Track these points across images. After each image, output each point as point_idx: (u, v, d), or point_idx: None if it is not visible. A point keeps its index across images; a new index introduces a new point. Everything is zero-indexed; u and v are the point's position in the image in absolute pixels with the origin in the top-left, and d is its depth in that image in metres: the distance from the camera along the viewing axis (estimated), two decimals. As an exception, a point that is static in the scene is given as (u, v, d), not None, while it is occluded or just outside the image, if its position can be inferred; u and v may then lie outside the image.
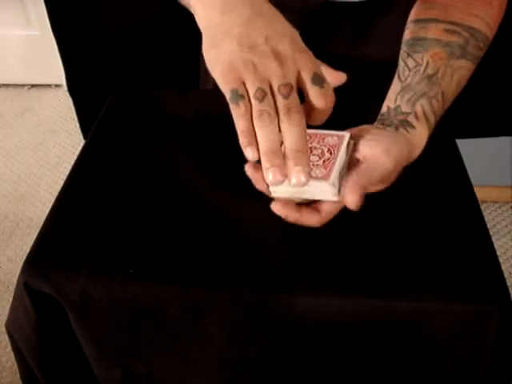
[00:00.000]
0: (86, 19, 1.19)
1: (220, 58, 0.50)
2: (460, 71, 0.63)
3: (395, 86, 0.64)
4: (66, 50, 1.23)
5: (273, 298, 0.64)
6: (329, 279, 0.64)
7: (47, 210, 0.73)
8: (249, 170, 0.53)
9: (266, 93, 0.48)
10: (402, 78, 0.64)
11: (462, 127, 1.22)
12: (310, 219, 0.55)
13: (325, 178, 0.53)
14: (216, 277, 0.64)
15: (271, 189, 0.53)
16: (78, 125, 1.36)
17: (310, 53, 0.51)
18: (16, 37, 2.10)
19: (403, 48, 0.67)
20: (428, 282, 0.63)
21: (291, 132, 0.48)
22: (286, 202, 0.54)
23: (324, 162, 0.55)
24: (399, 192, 0.73)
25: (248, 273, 0.64)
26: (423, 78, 0.62)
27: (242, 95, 0.48)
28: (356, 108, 0.72)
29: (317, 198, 0.54)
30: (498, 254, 0.67)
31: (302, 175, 0.48)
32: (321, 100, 0.49)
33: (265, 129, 0.47)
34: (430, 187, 0.75)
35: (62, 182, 0.77)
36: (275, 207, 0.54)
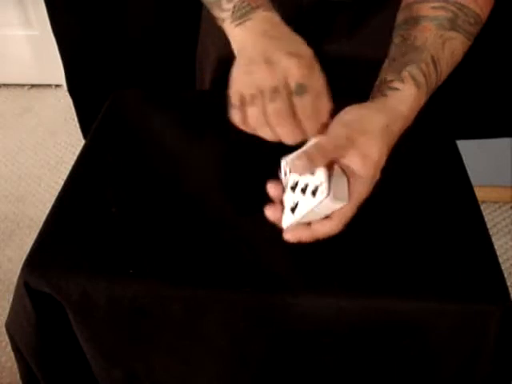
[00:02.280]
0: (86, 19, 1.19)
1: (231, 77, 0.57)
2: (452, 42, 0.62)
3: (384, 64, 0.64)
4: (66, 49, 1.23)
5: (273, 298, 0.64)
6: (329, 279, 0.64)
7: (47, 210, 0.73)
8: (268, 212, 0.58)
9: (256, 97, 0.53)
10: (390, 55, 0.64)
11: (462, 128, 1.22)
12: (324, 228, 0.55)
13: (325, 194, 0.53)
14: (216, 277, 0.64)
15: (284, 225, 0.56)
16: (78, 125, 1.36)
17: (303, 61, 0.54)
18: (16, 37, 2.10)
19: (393, 33, 0.67)
20: (428, 282, 0.63)
21: (282, 134, 0.54)
22: (293, 227, 0.56)
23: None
24: (399, 192, 0.73)
25: (248, 273, 0.64)
26: (410, 49, 0.62)
27: (237, 105, 0.55)
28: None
29: (328, 213, 0.55)
30: (498, 254, 0.67)
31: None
32: (300, 110, 0.54)
33: (259, 132, 0.55)
34: (430, 187, 0.75)
35: (62, 182, 0.77)
36: (287, 237, 0.56)
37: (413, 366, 0.69)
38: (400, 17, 0.68)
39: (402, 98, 0.58)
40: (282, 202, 0.58)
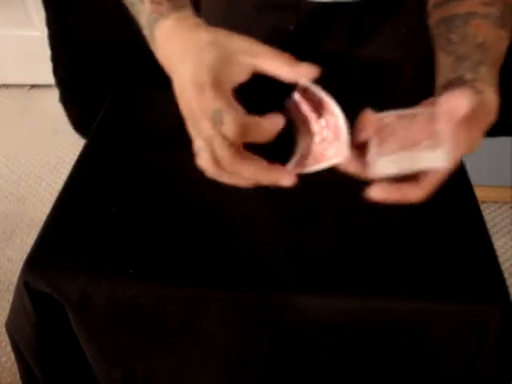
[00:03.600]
0: (86, 19, 1.19)
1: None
2: (503, 41, 0.61)
3: (444, 60, 0.60)
4: (66, 50, 1.23)
5: (273, 298, 0.64)
6: (329, 279, 0.64)
7: (47, 210, 0.73)
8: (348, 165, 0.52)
9: (203, 151, 0.51)
10: (450, 52, 0.61)
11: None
12: (413, 194, 0.52)
13: (434, 145, 0.49)
14: (216, 277, 0.64)
15: (372, 167, 0.51)
16: (77, 125, 1.36)
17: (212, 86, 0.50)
18: (16, 37, 2.10)
19: (437, 30, 0.65)
20: (428, 281, 0.63)
21: (243, 175, 0.50)
22: (382, 183, 0.51)
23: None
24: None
25: (248, 273, 0.64)
26: (475, 46, 0.59)
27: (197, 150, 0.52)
28: (350, 108, 0.72)
29: (425, 167, 0.51)
30: (498, 254, 0.67)
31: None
32: (230, 134, 0.49)
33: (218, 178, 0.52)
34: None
35: (62, 182, 0.77)
36: (374, 192, 0.51)
37: (413, 366, 0.69)
38: (439, 12, 0.66)
39: (490, 102, 0.55)
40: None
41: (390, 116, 0.53)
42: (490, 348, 0.64)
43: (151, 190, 0.75)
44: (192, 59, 0.51)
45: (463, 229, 0.69)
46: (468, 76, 0.57)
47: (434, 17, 0.67)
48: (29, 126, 2.04)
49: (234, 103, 0.49)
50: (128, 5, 0.62)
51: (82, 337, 0.70)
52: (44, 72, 2.16)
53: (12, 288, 0.65)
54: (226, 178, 0.51)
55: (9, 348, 0.93)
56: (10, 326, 0.72)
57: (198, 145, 0.51)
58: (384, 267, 0.65)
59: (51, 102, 2.15)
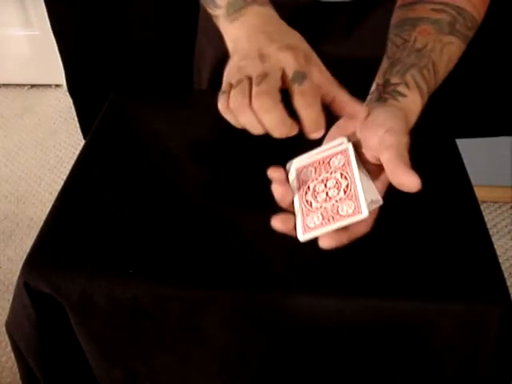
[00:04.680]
0: (86, 19, 1.19)
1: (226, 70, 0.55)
2: (450, 47, 0.62)
3: (383, 64, 0.63)
4: (66, 49, 1.23)
5: (273, 298, 0.64)
6: (329, 279, 0.64)
7: (47, 210, 0.73)
8: (277, 223, 0.53)
9: (242, 80, 0.51)
10: (390, 55, 0.63)
11: (461, 127, 1.22)
12: (362, 228, 0.53)
13: (357, 211, 0.50)
14: (216, 277, 0.64)
15: (302, 238, 0.52)
16: (78, 125, 1.36)
17: (300, 53, 0.52)
18: (16, 37, 2.10)
19: (391, 32, 0.66)
20: (428, 282, 0.63)
21: (261, 113, 0.49)
22: (330, 233, 0.52)
23: (345, 192, 0.51)
24: (399, 192, 0.73)
25: (248, 273, 0.64)
26: (412, 51, 0.61)
27: (223, 91, 0.52)
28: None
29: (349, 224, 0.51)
30: (498, 254, 0.67)
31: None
32: (299, 98, 0.50)
33: (235, 110, 0.50)
34: (430, 187, 0.75)
35: (61, 182, 0.77)
36: (324, 244, 0.52)
37: (413, 366, 0.69)
38: (397, 15, 0.67)
39: (410, 107, 0.57)
40: (285, 199, 0.54)
41: (305, 166, 0.55)
42: (490, 348, 0.64)
43: (151, 189, 0.75)
44: (295, 34, 0.55)
45: (463, 229, 0.69)
46: (394, 80, 0.59)
47: (393, 19, 0.68)
48: (29, 126, 2.04)
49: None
50: None
51: (81, 337, 0.70)
52: (44, 72, 2.17)
53: (12, 288, 0.65)
54: (244, 117, 0.50)
55: (9, 348, 0.93)
56: (10, 326, 0.72)
57: (224, 88, 0.52)
58: (384, 267, 0.65)
59: (51, 102, 2.16)
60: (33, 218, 1.66)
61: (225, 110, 0.52)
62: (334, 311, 0.63)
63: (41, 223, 0.71)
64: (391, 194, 0.66)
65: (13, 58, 2.14)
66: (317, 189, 0.54)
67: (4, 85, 2.23)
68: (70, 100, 1.33)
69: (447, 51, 0.62)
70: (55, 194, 0.76)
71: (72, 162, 0.80)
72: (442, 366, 0.67)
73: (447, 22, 0.63)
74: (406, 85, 0.58)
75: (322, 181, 0.53)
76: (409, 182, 0.49)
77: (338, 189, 0.52)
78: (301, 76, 0.50)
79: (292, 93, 0.50)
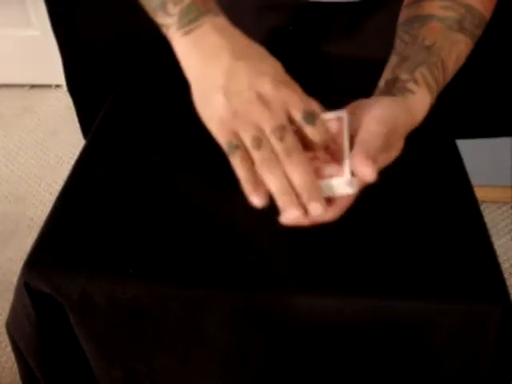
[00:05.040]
0: (86, 19, 1.19)
1: (212, 114, 0.52)
2: (458, 45, 0.62)
3: (392, 60, 0.62)
4: (66, 49, 1.23)
5: (273, 298, 0.64)
6: (329, 279, 0.64)
7: (47, 210, 0.73)
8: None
9: (261, 139, 0.49)
10: (399, 51, 0.62)
11: (461, 127, 1.22)
12: (324, 216, 0.52)
13: (339, 174, 0.51)
14: (216, 277, 0.64)
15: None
16: (78, 125, 1.36)
17: (296, 86, 0.51)
18: (16, 37, 2.10)
19: (399, 29, 0.66)
20: (428, 281, 0.63)
21: (296, 173, 0.49)
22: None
23: (332, 154, 0.52)
24: (399, 192, 0.73)
25: (248, 272, 0.64)
26: (421, 48, 0.61)
27: (236, 145, 0.50)
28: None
29: (333, 194, 0.52)
30: (498, 254, 0.67)
31: (319, 208, 0.49)
32: (316, 137, 0.50)
33: (270, 175, 0.49)
34: (430, 187, 0.75)
35: (62, 182, 0.77)
36: (284, 219, 0.51)
37: (412, 366, 0.69)
38: (405, 14, 0.67)
39: (417, 104, 0.57)
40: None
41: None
42: (490, 348, 0.64)
43: (151, 190, 0.75)
44: (267, 56, 0.52)
45: (463, 229, 0.69)
46: (403, 76, 0.58)
47: (401, 17, 0.68)
48: (29, 125, 2.04)
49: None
50: None
51: (81, 337, 0.70)
52: (44, 72, 2.17)
53: (12, 288, 0.65)
54: (268, 175, 0.49)
55: (9, 348, 0.93)
56: (10, 326, 0.72)
57: (236, 143, 0.50)
58: (384, 267, 0.65)
59: (51, 102, 2.16)
60: (33, 218, 1.66)
61: (241, 166, 0.50)
62: (333, 311, 0.63)
63: (41, 223, 0.71)
64: (391, 194, 0.66)
65: (13, 58, 2.14)
66: None
67: (4, 85, 2.22)
68: (70, 100, 1.33)
69: (456, 49, 0.62)
70: (55, 194, 0.76)
71: (72, 162, 0.80)
72: (442, 366, 0.67)
73: (456, 20, 0.63)
74: (415, 82, 0.58)
75: None
76: (361, 171, 0.49)
77: (325, 150, 0.53)
78: (313, 117, 0.50)
79: (306, 132, 0.50)
